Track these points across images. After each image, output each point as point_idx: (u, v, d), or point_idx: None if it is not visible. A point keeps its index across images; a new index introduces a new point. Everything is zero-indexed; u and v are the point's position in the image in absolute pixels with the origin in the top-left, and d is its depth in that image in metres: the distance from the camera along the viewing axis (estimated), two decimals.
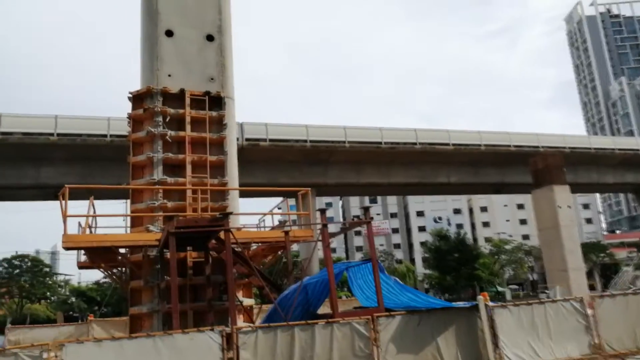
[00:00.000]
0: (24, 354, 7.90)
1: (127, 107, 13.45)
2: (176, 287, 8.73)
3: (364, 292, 11.69)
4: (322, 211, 9.51)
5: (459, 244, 58.89)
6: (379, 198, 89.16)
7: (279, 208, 22.27)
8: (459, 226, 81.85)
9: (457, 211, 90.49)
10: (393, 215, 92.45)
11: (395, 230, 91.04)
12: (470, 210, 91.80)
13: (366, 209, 10.34)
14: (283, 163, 35.82)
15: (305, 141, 35.35)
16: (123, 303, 41.78)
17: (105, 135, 30.69)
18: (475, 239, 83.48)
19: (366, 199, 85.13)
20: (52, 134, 29.67)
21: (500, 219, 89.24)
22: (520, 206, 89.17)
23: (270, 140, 34.33)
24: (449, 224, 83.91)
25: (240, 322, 11.75)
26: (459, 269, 56.21)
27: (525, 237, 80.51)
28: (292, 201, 29.66)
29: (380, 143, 37.45)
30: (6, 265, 48.49)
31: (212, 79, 13.87)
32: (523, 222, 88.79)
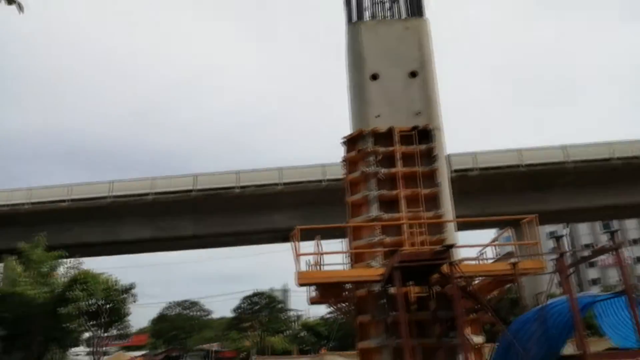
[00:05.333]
0: None
1: (336, 154, 14.43)
2: (406, 323, 8.72)
3: (619, 330, 9.99)
4: (558, 238, 8.57)
5: None
6: (614, 223, 77.49)
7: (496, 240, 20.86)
8: None
9: None
10: (636, 242, 79.10)
11: (639, 260, 77.55)
12: None
13: (613, 233, 8.95)
14: (495, 192, 33.89)
15: (518, 166, 32.98)
16: (348, 338, 43.63)
17: (321, 181, 33.38)
18: None
19: (596, 225, 74.88)
20: (278, 184, 33.48)
21: None
22: None
23: (480, 169, 32.96)
24: None
25: None
26: None
27: None
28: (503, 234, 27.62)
29: (609, 160, 32.81)
30: (249, 302, 55.36)
31: (418, 113, 14.02)
32: None
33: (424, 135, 13.82)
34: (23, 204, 34.68)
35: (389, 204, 13.29)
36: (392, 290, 11.11)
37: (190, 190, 33.83)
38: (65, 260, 33.95)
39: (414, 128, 13.69)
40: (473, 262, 13.39)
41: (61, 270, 34.53)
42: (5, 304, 32.19)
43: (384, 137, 13.82)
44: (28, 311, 31.36)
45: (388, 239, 12.71)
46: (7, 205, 34.88)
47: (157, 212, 34.73)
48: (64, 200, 34.49)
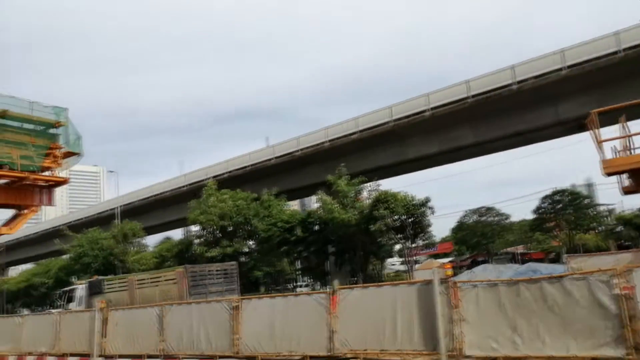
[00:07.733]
0: (593, 278, 8.09)
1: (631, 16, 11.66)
2: None
3: None
4: None
5: None
6: None
7: None
8: None
9: None
10: None
11: None
12: None
13: None
14: None
15: None
16: None
17: (615, 53, 28.09)
18: None
19: None
20: (560, 69, 29.64)
21: None
22: None
23: None
24: None
25: None
26: None
27: None
28: None
29: None
30: (550, 201, 52.31)
31: None
32: None
33: None
34: (323, 143, 40.01)
35: None
36: None
37: (465, 98, 33.07)
38: (366, 184, 38.25)
39: None
40: None
41: (364, 193, 39.12)
42: (329, 228, 38.60)
43: None
44: (346, 231, 36.88)
45: None
46: (311, 146, 40.84)
47: (436, 127, 35.36)
48: (354, 133, 38.33)
